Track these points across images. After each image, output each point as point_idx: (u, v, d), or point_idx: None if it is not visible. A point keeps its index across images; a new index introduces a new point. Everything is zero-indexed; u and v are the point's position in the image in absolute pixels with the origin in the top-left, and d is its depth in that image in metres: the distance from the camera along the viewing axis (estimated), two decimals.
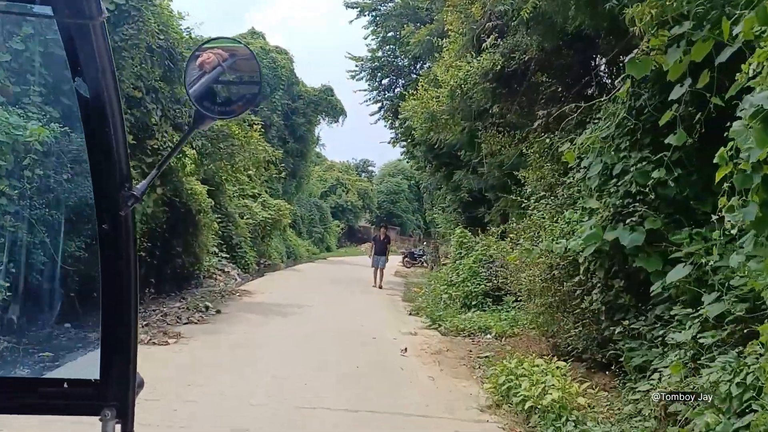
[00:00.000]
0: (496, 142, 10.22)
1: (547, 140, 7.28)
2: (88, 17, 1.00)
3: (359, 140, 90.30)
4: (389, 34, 17.88)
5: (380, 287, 16.62)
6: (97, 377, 1.23)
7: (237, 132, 11.11)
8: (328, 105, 28.46)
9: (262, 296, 12.46)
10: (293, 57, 28.40)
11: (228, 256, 16.27)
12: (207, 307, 10.01)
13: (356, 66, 18.26)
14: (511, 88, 8.71)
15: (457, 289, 11.44)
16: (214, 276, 14.77)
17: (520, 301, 8.88)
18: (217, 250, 15.25)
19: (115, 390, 1.22)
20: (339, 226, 48.23)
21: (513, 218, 15.24)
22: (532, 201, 7.34)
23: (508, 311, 9.91)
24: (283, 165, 27.63)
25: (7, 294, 4.27)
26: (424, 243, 40.56)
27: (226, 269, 15.76)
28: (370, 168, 64.45)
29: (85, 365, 1.32)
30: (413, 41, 14.03)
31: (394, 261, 38.35)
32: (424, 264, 31.56)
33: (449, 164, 17.86)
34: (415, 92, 15.54)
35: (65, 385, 1.24)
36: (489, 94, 8.76)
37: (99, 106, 1.10)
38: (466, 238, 12.42)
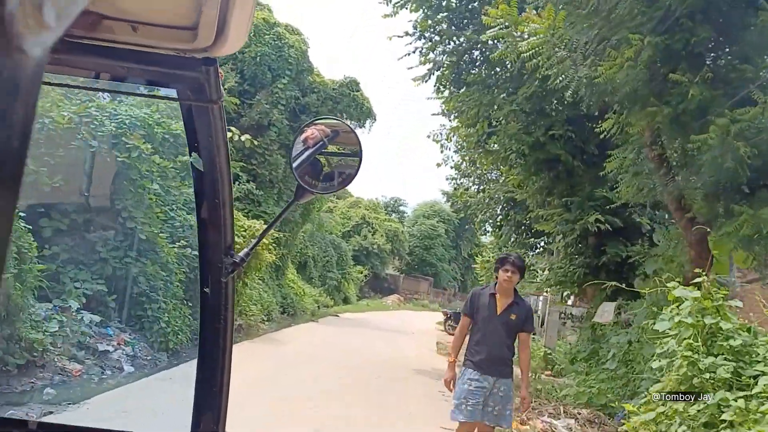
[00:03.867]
0: None
1: None
2: (208, 100, 1.08)
3: (390, 173, 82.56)
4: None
5: None
6: None
7: None
8: (351, 103, 20.72)
9: None
10: (308, 39, 20.96)
11: (120, 319, 8.12)
12: None
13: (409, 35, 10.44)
14: None
15: None
16: (64, 371, 6.69)
17: None
18: (77, 306, 7.10)
19: None
20: (362, 273, 39.98)
21: None
22: None
23: None
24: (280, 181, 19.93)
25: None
26: None
27: (109, 348, 7.55)
28: (401, 208, 56.48)
29: (176, 422, 1.36)
30: None
31: (430, 322, 29.46)
32: None
33: (557, 162, 9.62)
34: None
35: None
36: None
37: (211, 180, 1.17)
38: (730, 320, 4.00)
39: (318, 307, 26.49)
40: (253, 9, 0.85)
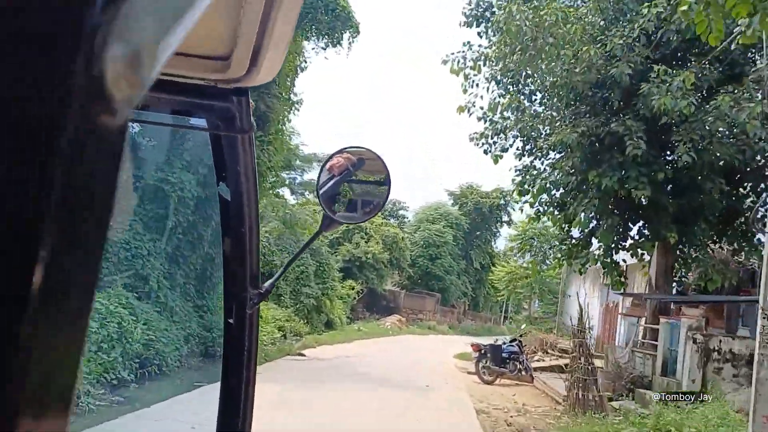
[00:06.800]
0: None
1: None
2: (238, 131, 1.07)
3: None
4: None
5: None
6: None
7: None
8: (318, 4, 12.65)
9: None
10: None
11: None
12: None
13: None
14: None
15: None
16: None
17: None
18: None
19: None
20: (353, 289, 31.63)
21: None
22: None
23: None
24: None
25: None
26: (523, 327, 23.18)
27: None
28: (401, 211, 48.14)
29: None
30: None
31: (444, 353, 20.87)
32: (522, 372, 14.41)
33: None
34: None
35: None
36: None
37: (238, 211, 1.17)
38: None
39: (283, 336, 18.14)
40: (290, 39, 0.84)
